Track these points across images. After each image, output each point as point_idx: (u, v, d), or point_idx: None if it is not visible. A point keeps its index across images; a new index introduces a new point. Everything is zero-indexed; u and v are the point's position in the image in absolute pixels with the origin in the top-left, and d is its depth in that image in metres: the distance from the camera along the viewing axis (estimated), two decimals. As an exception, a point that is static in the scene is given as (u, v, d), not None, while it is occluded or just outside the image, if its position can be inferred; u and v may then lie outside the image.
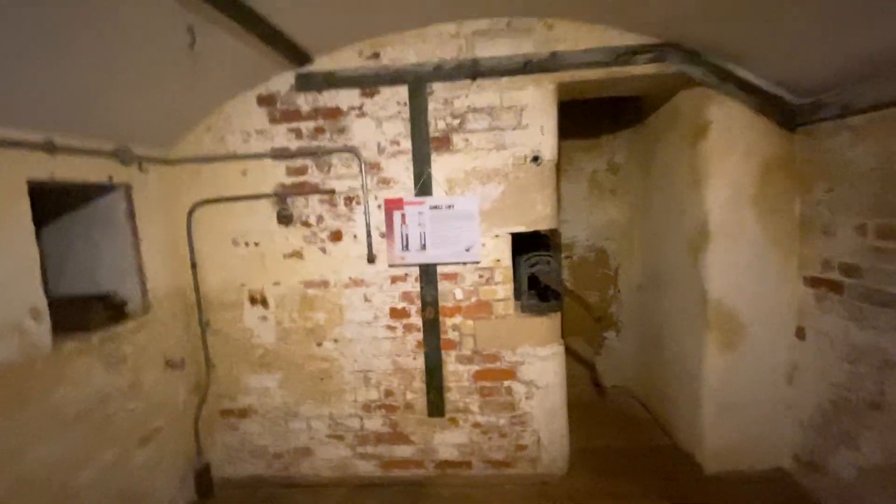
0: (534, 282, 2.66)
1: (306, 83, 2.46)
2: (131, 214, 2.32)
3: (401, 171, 2.49)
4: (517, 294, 2.67)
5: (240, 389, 2.74)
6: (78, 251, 2.35)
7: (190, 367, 2.67)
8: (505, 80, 2.38)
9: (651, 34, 2.28)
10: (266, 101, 2.51)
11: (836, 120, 2.08)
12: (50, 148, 1.87)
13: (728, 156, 2.37)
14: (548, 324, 2.56)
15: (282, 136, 2.52)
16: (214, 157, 2.55)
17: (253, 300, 2.67)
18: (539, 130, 2.40)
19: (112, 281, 2.35)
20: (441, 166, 2.46)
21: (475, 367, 2.60)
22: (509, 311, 2.55)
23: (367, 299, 2.60)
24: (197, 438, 2.69)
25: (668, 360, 3.02)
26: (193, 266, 2.64)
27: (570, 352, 3.85)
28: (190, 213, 2.59)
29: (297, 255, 2.60)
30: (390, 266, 2.56)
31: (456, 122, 2.43)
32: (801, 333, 2.40)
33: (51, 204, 2.32)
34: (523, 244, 2.67)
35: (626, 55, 2.30)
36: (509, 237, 2.51)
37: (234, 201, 2.58)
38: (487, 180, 2.46)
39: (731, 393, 2.53)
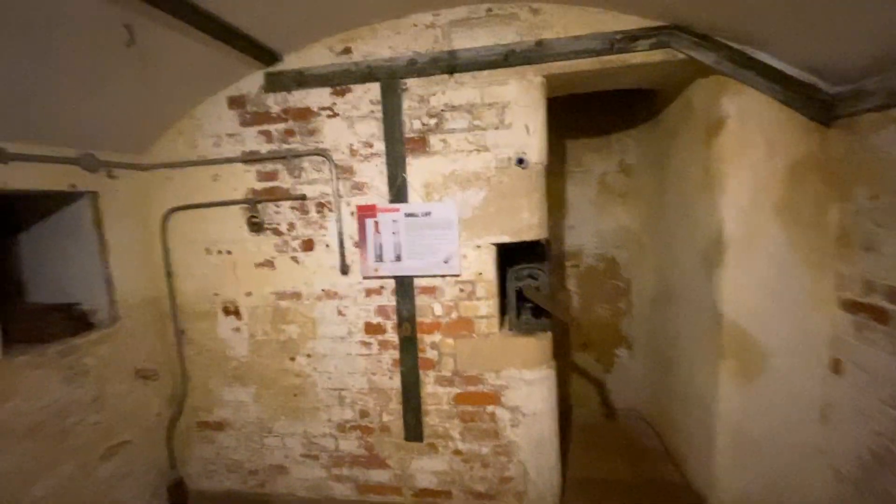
0: (525, 297, 2.40)
1: (276, 83, 2.32)
2: (97, 222, 2.25)
3: (374, 175, 2.30)
4: (504, 310, 2.43)
5: (215, 402, 2.65)
6: (49, 260, 2.31)
7: (165, 377, 2.60)
8: (485, 73, 2.14)
9: (652, 16, 1.97)
10: (237, 102, 2.39)
11: (881, 111, 1.71)
12: (1, 156, 1.81)
13: (746, 155, 2.03)
14: (536, 344, 2.30)
15: (252, 140, 2.40)
16: (185, 163, 2.46)
17: (226, 311, 2.56)
18: (524, 130, 2.14)
19: (80, 291, 2.29)
20: (417, 170, 2.25)
21: (455, 390, 2.38)
22: (493, 329, 2.31)
23: (340, 313, 2.43)
24: (171, 451, 2.61)
25: (680, 385, 2.68)
26: (169, 274, 2.56)
27: (577, 369, 3.55)
28: (164, 220, 2.52)
29: (269, 264, 2.47)
30: (364, 278, 2.38)
31: (433, 121, 2.21)
32: (836, 367, 2.02)
33: (25, 212, 2.30)
34: (515, 255, 2.42)
35: (624, 41, 2.00)
36: (493, 248, 2.26)
37: (205, 208, 2.48)
38: (468, 185, 2.22)
39: (751, 430, 2.18)
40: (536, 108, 2.14)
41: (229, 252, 2.51)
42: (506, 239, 2.23)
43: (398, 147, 2.24)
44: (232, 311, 2.55)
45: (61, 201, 2.22)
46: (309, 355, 2.50)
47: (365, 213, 2.30)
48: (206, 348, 2.61)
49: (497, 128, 2.16)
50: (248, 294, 2.52)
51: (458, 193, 2.24)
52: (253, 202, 2.41)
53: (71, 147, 2.10)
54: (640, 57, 2.03)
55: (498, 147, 2.18)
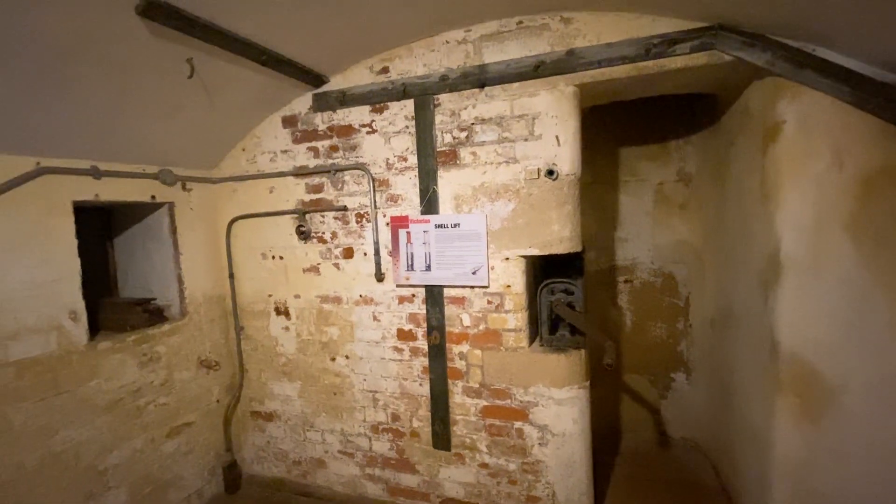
0: (552, 310, 2.32)
1: (322, 103, 2.51)
2: (173, 229, 2.59)
3: (408, 187, 2.38)
4: (536, 325, 2.37)
5: (266, 394, 2.89)
6: (136, 262, 2.71)
7: (226, 368, 2.90)
8: (516, 86, 2.13)
9: (694, 17, 1.84)
10: (289, 122, 2.62)
11: (980, 111, 1.44)
12: (95, 173, 2.17)
13: (808, 165, 1.80)
14: (566, 362, 2.21)
15: (302, 155, 2.61)
16: (246, 176, 2.74)
17: (278, 311, 2.79)
18: (554, 141, 2.10)
19: (158, 288, 2.65)
20: (447, 182, 2.30)
21: (483, 402, 2.37)
22: (521, 343, 2.27)
23: (375, 318, 2.54)
24: (227, 435, 2.90)
25: (738, 418, 2.41)
26: (231, 276, 2.86)
27: (628, 392, 3.34)
28: (228, 228, 2.82)
29: (315, 269, 2.66)
30: (397, 286, 2.47)
31: (463, 134, 2.25)
32: (925, 412, 1.70)
33: (118, 221, 2.72)
34: (552, 269, 2.36)
35: (661, 46, 1.89)
36: (522, 261, 2.23)
37: (262, 217, 2.74)
38: (497, 197, 2.22)
39: (816, 481, 1.91)
40: (568, 118, 2.08)
41: (281, 258, 2.74)
42: (535, 252, 2.19)
43: (430, 160, 2.30)
44: (282, 311, 2.78)
45: (145, 211, 2.59)
46: (347, 357, 2.64)
47: (398, 223, 2.39)
48: (261, 344, 2.87)
49: (526, 139, 2.14)
50: (297, 297, 2.73)
51: (487, 205, 2.24)
52: (302, 212, 2.61)
53: (152, 164, 2.45)
54: (680, 61, 1.90)
55: (527, 159, 2.15)
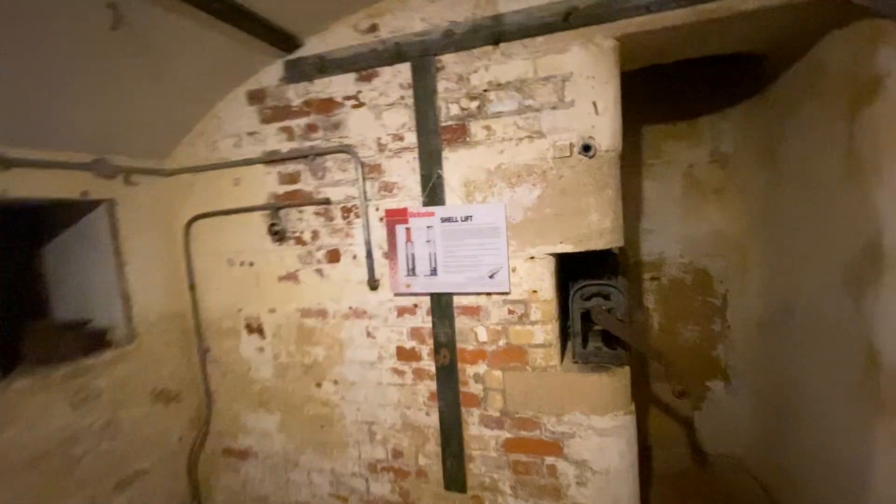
0: (588, 319, 1.91)
1: (296, 72, 2.04)
2: (114, 233, 2.09)
3: (406, 173, 1.93)
4: (566, 338, 1.95)
5: (240, 428, 2.41)
6: (70, 275, 2.19)
7: (188, 399, 2.41)
8: (540, 40, 1.70)
9: (775, -60, 1.43)
10: (256, 97, 2.13)
11: None
12: (2, 162, 1.66)
13: (924, 127, 1.41)
14: (608, 383, 1.79)
15: (273, 138, 2.13)
16: (207, 166, 2.25)
17: (250, 328, 2.31)
18: (591, 108, 1.67)
19: (97, 307, 2.14)
20: (455, 165, 1.86)
21: (505, 434, 1.93)
22: (552, 361, 1.84)
23: (369, 334, 2.09)
24: (193, 480, 2.41)
25: (806, 437, 2.03)
26: (192, 287, 2.37)
27: (657, 402, 2.95)
28: (187, 229, 2.33)
29: (292, 277, 2.19)
30: (395, 295, 2.01)
31: (474, 104, 1.80)
32: None
33: (48, 224, 2.20)
34: (581, 268, 1.95)
35: (732, -20, 1.48)
36: (551, 260, 1.80)
37: (227, 215, 2.25)
38: (518, 181, 1.79)
39: (930, 520, 1.52)
40: (607, 79, 1.66)
41: (251, 264, 2.26)
42: (568, 248, 1.76)
43: (432, 139, 1.85)
44: (255, 328, 2.30)
45: (78, 211, 2.09)
46: (336, 382, 2.18)
47: (395, 218, 1.94)
48: (231, 369, 2.38)
49: (555, 107, 1.71)
50: (272, 311, 2.25)
51: (506, 192, 1.80)
52: (274, 208, 2.14)
53: (82, 152, 1.94)
54: (755, 1, 1.48)
55: (556, 132, 1.72)
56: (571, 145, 1.71)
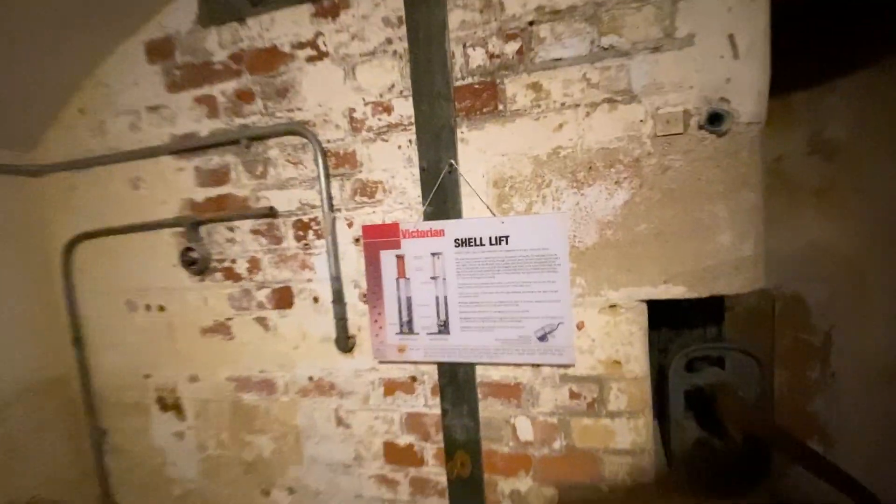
0: (698, 405, 1.17)
1: (217, 6, 1.27)
2: (-70, 265, 1.30)
3: (396, 165, 1.18)
4: (663, 437, 1.22)
5: (154, 548, 1.62)
6: None
7: (76, 506, 1.61)
8: (631, -73, 0.97)
9: None
10: (159, 51, 1.36)
11: None
12: None
13: None
14: (742, 515, 1.06)
15: (186, 114, 1.36)
16: (92, 160, 1.47)
17: (163, 404, 1.54)
18: (723, 47, 0.94)
19: None
20: (479, 151, 1.11)
21: (562, 589, 1.18)
22: (643, 476, 1.10)
23: (341, 421, 1.33)
24: None
25: None
26: (77, 341, 1.58)
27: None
28: (67, 255, 1.54)
29: (222, 329, 1.42)
30: (381, 362, 1.26)
31: (511, 47, 1.06)
32: None
33: None
34: (669, 317, 1.22)
35: None
36: (643, 310, 1.06)
37: (124, 234, 1.48)
38: (590, 178, 1.05)
39: None
40: (754, -6, 0.93)
41: (161, 308, 1.48)
42: (677, 292, 1.02)
43: (441, 108, 1.10)
44: (170, 404, 1.52)
45: None
46: (291, 490, 1.41)
47: (379, 240, 1.18)
48: (138, 463, 1.60)
49: (657, 48, 0.97)
50: (193, 379, 1.48)
51: (569, 197, 1.06)
52: (191, 223, 1.37)
53: None
54: None
55: (659, 91, 0.99)
56: (687, 114, 0.98)
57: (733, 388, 1.10)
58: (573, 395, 1.12)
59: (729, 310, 2.21)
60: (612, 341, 1.08)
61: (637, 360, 1.08)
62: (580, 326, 1.09)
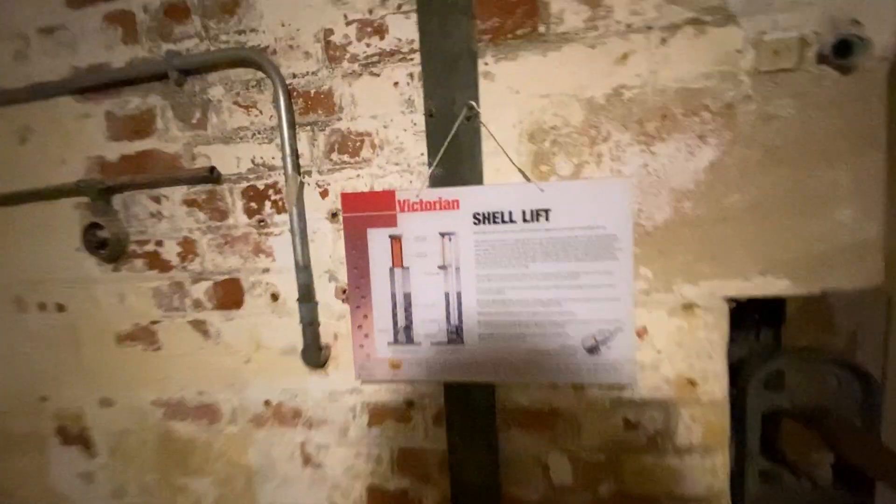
0: (774, 433, 0.92)
1: None
2: None
3: (390, 110, 0.85)
4: (738, 472, 0.95)
5: None
6: None
7: (-58, 574, 1.20)
8: None
9: None
10: (53, -55, 0.98)
11: None
12: None
13: None
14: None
15: (94, 38, 0.98)
16: (-43, 101, 1.06)
17: (65, 435, 1.15)
18: (864, -58, 0.67)
19: None
20: (510, 91, 0.80)
21: None
22: (716, 527, 0.83)
23: (308, 459, 0.99)
24: None
25: None
26: (-56, 352, 1.16)
27: None
28: (-73, 235, 1.12)
29: (146, 335, 1.05)
30: (364, 382, 0.93)
31: (559, -58, 0.76)
32: None
33: None
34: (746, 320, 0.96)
35: None
36: (725, 310, 0.79)
37: (8, 206, 1.08)
38: (662, 132, 0.76)
39: None
40: None
41: (61, 307, 1.09)
42: (780, 286, 0.76)
43: (457, 26, 0.79)
44: (75, 436, 1.14)
45: None
46: (240, 549, 1.06)
47: (365, 213, 0.85)
48: (31, 511, 1.20)
49: (769, -56, 0.70)
50: (107, 402, 1.10)
51: (633, 156, 0.77)
52: (100, 191, 0.99)
53: None
54: None
55: (768, 9, 0.71)
56: (803, 42, 0.71)
57: (833, 412, 0.85)
58: (629, 426, 0.84)
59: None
60: (686, 353, 0.80)
61: (717, 378, 0.80)
62: (641, 334, 0.81)
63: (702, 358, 0.80)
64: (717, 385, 0.80)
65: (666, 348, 0.81)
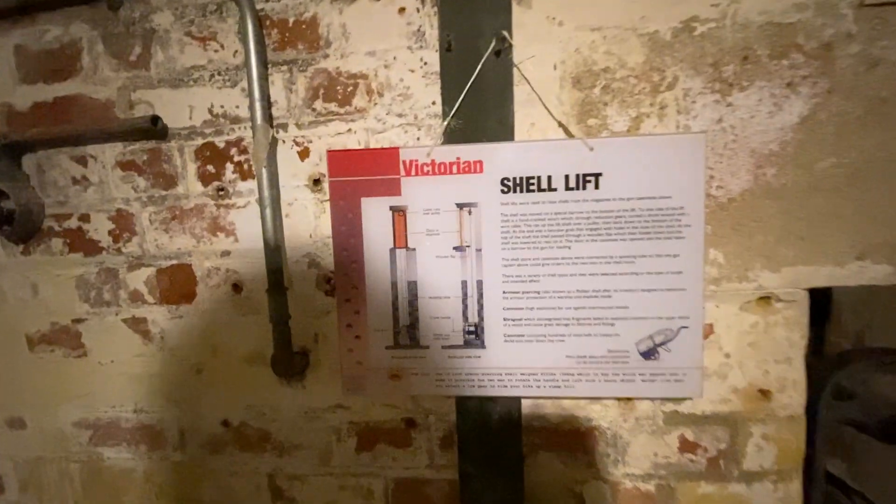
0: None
1: None
2: None
3: (393, 44, 0.66)
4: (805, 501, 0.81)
5: None
6: None
7: None
8: None
9: None
10: None
11: None
12: None
13: None
14: None
15: (-4, -54, 0.75)
16: None
17: (-41, 465, 0.89)
18: None
19: None
20: (549, 22, 0.63)
21: None
22: (787, 571, 0.68)
23: (280, 493, 0.79)
24: None
25: None
26: None
27: None
28: None
29: (67, 338, 0.82)
30: (352, 393, 0.73)
31: None
32: None
33: None
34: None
35: None
36: (806, 302, 0.64)
37: None
38: (742, 78, 0.60)
39: None
40: None
41: (-47, 301, 0.84)
42: (881, 272, 0.61)
43: (483, -63, 0.61)
44: (-26, 466, 0.88)
45: None
46: None
47: (359, 178, 0.66)
48: (-86, 563, 0.93)
49: None
50: (15, 424, 0.86)
51: (704, 108, 0.61)
52: (3, 145, 0.75)
53: None
54: None
55: (879, -79, 0.56)
56: (923, -37, 0.56)
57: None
58: (686, 447, 0.67)
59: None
60: (760, 357, 0.65)
61: (796, 386, 0.65)
62: (706, 333, 0.65)
63: (779, 362, 0.65)
64: (796, 396, 0.65)
65: (736, 351, 0.65)
